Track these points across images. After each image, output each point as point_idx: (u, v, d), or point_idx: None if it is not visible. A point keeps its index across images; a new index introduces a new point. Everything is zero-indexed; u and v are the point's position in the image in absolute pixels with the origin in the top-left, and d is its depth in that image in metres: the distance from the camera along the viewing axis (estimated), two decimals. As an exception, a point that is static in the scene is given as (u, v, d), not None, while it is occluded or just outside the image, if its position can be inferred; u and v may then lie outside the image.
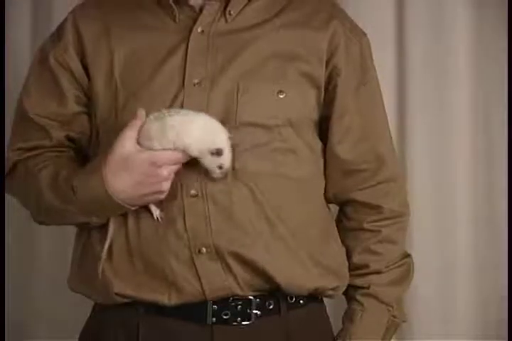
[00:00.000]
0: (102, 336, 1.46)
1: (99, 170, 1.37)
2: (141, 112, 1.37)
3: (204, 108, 1.40)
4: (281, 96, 1.43)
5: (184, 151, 1.35)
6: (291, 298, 1.45)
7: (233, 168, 1.39)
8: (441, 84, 2.00)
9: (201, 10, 1.45)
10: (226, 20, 1.45)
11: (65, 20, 1.52)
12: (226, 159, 1.36)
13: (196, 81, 1.42)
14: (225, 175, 1.38)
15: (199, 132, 1.35)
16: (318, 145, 1.50)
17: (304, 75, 1.45)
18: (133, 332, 1.43)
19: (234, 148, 1.37)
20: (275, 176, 1.42)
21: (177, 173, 1.37)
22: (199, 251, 1.39)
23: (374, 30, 1.74)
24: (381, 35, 1.97)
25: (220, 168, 1.36)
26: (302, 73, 1.45)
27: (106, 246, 1.42)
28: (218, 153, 1.35)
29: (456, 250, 2.01)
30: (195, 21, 1.45)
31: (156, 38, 1.45)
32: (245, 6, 1.46)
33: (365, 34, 1.53)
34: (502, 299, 1.97)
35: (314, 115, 1.48)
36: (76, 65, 1.48)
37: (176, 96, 1.41)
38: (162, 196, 1.38)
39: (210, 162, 1.36)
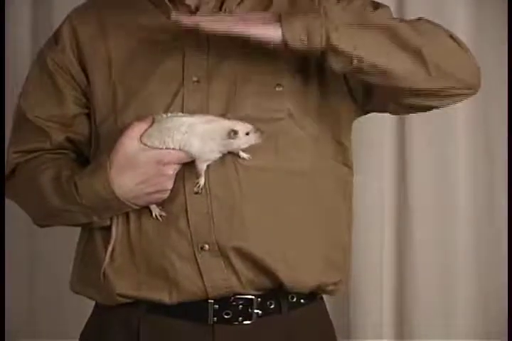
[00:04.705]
0: (103, 335, 1.47)
1: (104, 169, 1.37)
2: (149, 118, 1.37)
3: (204, 104, 1.40)
4: (280, 89, 1.43)
5: (187, 152, 1.35)
6: (292, 298, 1.44)
7: (236, 165, 1.39)
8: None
9: (197, 8, 1.45)
10: None
11: (62, 23, 1.53)
12: (244, 127, 1.35)
13: (195, 78, 1.42)
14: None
15: (204, 130, 1.34)
16: (322, 134, 1.46)
17: (301, 67, 1.44)
18: (134, 331, 1.43)
19: None
20: (278, 171, 1.41)
21: (178, 171, 1.37)
22: (201, 248, 1.39)
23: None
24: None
25: (247, 134, 1.34)
26: (299, 65, 1.44)
27: (109, 250, 1.42)
28: (235, 132, 1.34)
29: (456, 250, 2.02)
30: None
31: (152, 37, 1.45)
32: (240, 3, 1.46)
33: None
34: (502, 299, 1.97)
35: (316, 104, 1.45)
36: (74, 67, 1.49)
37: (175, 94, 1.41)
38: (165, 195, 1.38)
39: (239, 142, 1.35)
